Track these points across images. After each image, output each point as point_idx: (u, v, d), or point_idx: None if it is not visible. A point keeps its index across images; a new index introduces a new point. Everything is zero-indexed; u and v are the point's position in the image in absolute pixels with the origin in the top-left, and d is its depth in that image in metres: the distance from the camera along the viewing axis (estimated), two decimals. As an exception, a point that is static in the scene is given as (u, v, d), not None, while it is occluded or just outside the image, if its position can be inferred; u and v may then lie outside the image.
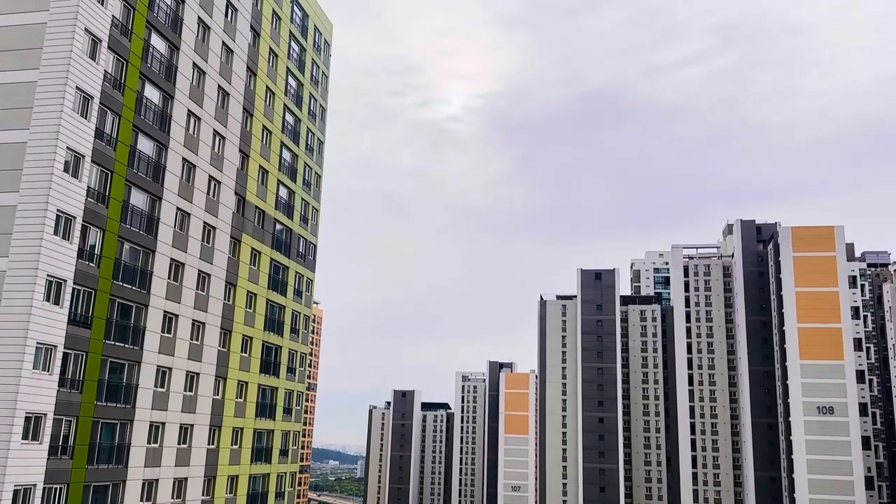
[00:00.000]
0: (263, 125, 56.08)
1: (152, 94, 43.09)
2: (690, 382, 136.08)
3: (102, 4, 38.40)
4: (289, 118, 60.84)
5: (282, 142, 59.18)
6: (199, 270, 47.00)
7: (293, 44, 61.97)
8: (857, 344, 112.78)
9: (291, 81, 61.48)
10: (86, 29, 37.06)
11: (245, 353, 52.86)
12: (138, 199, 41.63)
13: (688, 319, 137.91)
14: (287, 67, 60.41)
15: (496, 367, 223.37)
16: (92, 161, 37.54)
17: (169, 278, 43.98)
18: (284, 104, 59.81)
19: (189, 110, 46.31)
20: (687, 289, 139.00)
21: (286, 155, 60.20)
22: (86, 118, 37.03)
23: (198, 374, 46.79)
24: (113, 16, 39.45)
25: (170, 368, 43.91)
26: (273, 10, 58.14)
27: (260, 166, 55.50)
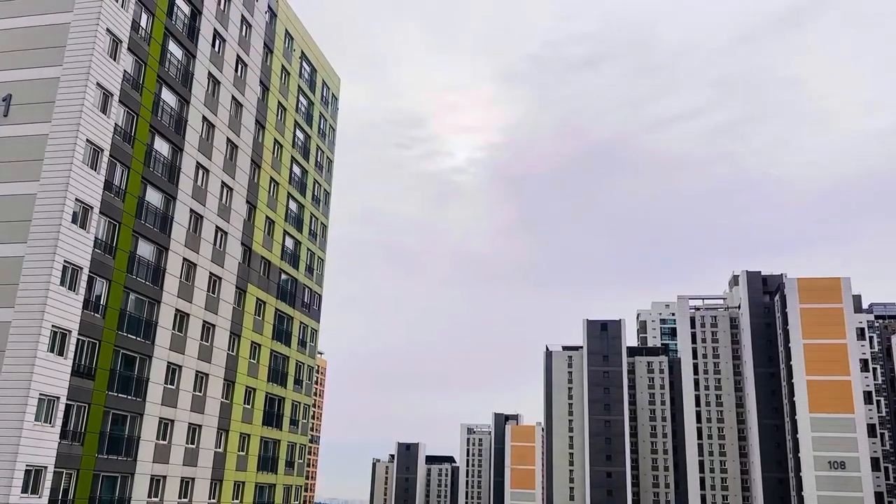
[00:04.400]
0: (271, 177, 56.63)
1: (162, 146, 43.64)
2: (699, 436, 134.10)
3: (114, 59, 39.18)
4: (296, 170, 61.45)
5: (289, 193, 59.68)
6: (203, 321, 46.93)
7: (301, 98, 62.97)
8: (867, 397, 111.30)
9: (299, 134, 62.29)
10: (98, 83, 37.75)
11: (248, 404, 52.39)
12: (145, 249, 41.82)
13: (695, 371, 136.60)
14: (295, 121, 61.27)
15: (502, 420, 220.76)
16: (100, 212, 37.85)
17: (173, 329, 43.89)
18: (292, 156, 60.49)
19: (198, 162, 46.85)
20: (694, 340, 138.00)
21: (293, 206, 60.62)
22: (95, 170, 37.46)
23: (200, 426, 46.32)
24: (124, 70, 40.22)
25: (172, 421, 43.49)
26: (282, 66, 59.23)
27: (267, 217, 55.87)
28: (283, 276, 58.53)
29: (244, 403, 51.75)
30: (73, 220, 35.89)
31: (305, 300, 62.40)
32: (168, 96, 44.40)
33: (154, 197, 42.78)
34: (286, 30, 60.23)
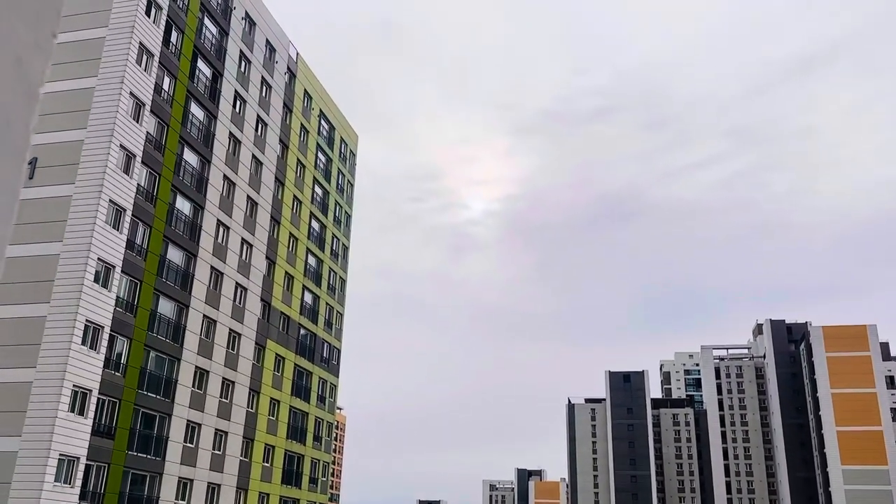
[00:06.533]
0: (290, 232, 57.25)
1: (183, 205, 44.38)
2: (728, 490, 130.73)
3: (138, 121, 40.18)
4: (315, 225, 62.11)
5: (307, 248, 60.21)
6: (223, 378, 46.97)
7: (320, 155, 64.02)
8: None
9: (318, 190, 63.12)
10: (121, 145, 38.66)
11: (267, 462, 51.99)
12: (166, 307, 42.17)
13: (722, 423, 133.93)
14: (314, 177, 62.18)
15: (525, 475, 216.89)
16: (122, 271, 38.34)
17: (193, 386, 43.93)
18: (311, 212, 61.21)
19: (218, 220, 47.53)
20: (720, 391, 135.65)
21: (311, 261, 61.09)
22: (118, 230, 38.09)
23: (219, 485, 45.95)
24: (147, 132, 41.19)
25: (191, 480, 43.20)
26: (301, 124, 60.40)
27: (286, 272, 56.28)
28: (303, 331, 58.63)
29: (263, 461, 51.35)
30: (96, 280, 36.37)
31: (325, 355, 62.34)
32: (190, 156, 45.33)
33: (175, 255, 43.32)
34: (305, 89, 61.59)
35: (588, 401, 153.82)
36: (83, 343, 35.33)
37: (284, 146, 57.43)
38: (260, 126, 53.95)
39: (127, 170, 39.13)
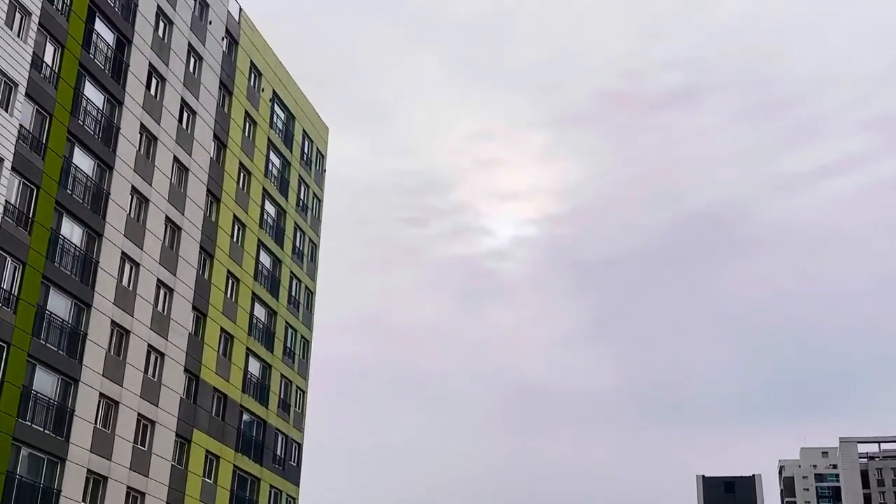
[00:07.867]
0: (229, 271, 57.38)
1: (72, 231, 44.55)
2: None
3: (7, 110, 40.43)
4: (264, 260, 62.23)
5: (254, 293, 60.27)
6: (127, 488, 46.78)
7: (273, 156, 64.37)
8: None
9: (269, 208, 63.36)
10: (-17, 144, 38.93)
11: None
12: (45, 382, 42.09)
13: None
14: (263, 189, 62.46)
15: None
16: (-19, 329, 38.41)
17: (84, 502, 43.73)
18: (259, 240, 61.38)
19: (123, 252, 47.68)
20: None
21: (260, 312, 61.11)
22: (-24, 268, 38.20)
23: None
24: (21, 125, 41.46)
25: None
26: (246, 113, 60.83)
27: (222, 330, 56.28)
28: (247, 417, 58.48)
29: None
30: (-58, 342, 36.41)
31: (278, 452, 62.09)
32: (83, 161, 45.61)
33: (59, 305, 43.37)
34: (251, 62, 62.17)
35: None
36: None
37: (221, 144, 57.82)
38: (185, 115, 54.37)
39: (-10, 180, 39.36)
